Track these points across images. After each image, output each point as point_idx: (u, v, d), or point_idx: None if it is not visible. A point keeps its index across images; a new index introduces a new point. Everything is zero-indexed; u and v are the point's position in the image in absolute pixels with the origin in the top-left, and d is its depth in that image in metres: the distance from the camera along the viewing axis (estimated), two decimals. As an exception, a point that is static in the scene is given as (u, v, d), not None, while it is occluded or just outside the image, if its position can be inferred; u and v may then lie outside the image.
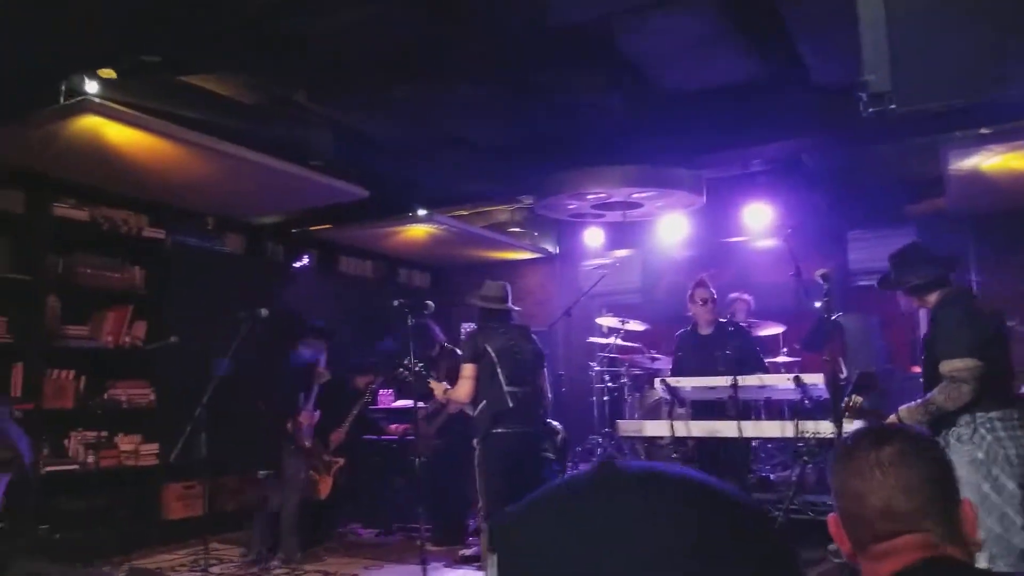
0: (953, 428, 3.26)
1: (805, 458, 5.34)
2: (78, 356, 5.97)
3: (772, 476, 6.22)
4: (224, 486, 6.70)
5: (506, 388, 4.39)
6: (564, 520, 0.65)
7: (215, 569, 5.31)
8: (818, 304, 6.31)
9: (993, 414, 3.20)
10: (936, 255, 3.62)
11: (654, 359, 6.66)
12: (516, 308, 4.75)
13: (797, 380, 5.00)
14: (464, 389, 4.48)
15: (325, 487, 6.03)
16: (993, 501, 3.10)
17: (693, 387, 5.46)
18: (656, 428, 5.72)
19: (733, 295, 6.66)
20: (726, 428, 5.55)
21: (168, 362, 6.04)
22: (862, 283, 7.53)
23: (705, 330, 5.54)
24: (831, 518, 1.09)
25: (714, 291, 5.60)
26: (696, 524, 0.61)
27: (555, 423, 4.69)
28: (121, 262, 6.30)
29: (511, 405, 4.36)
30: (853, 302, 7.13)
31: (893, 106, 2.39)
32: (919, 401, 3.36)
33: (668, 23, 4.41)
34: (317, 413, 6.02)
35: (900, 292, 3.61)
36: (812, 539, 4.75)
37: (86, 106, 4.62)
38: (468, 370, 4.47)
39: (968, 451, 3.20)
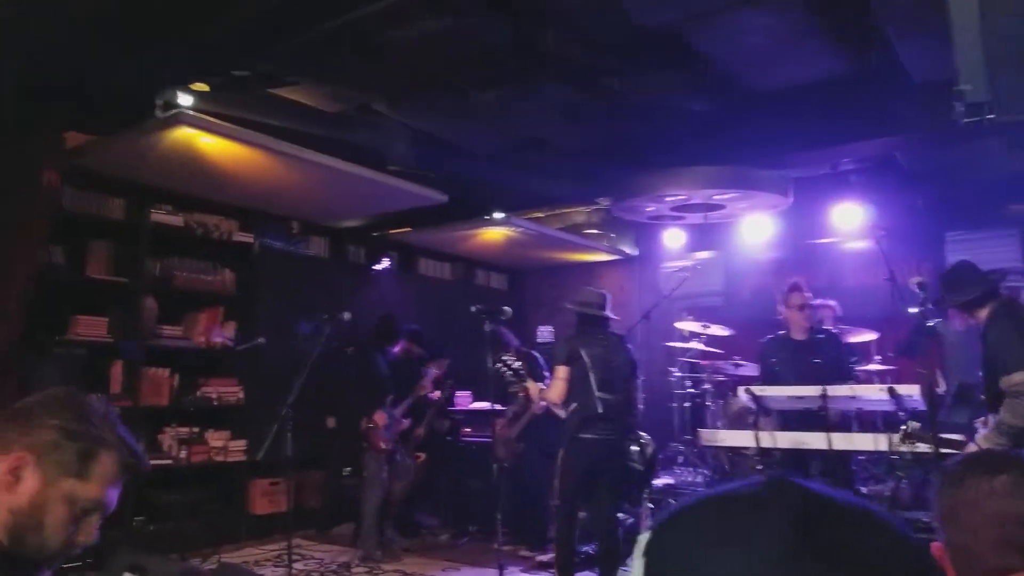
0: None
1: (900, 473, 5.09)
2: (173, 355, 6.23)
3: (864, 490, 5.96)
4: (308, 483, 6.89)
5: (597, 394, 4.45)
6: (723, 533, 0.61)
7: (298, 565, 5.46)
8: (913, 310, 6.04)
9: None
10: (982, 271, 3.66)
11: (738, 365, 6.48)
12: (614, 317, 4.76)
13: (891, 391, 4.76)
14: (557, 389, 4.55)
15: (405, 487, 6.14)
16: None
17: (781, 396, 5.28)
18: (739, 438, 5.57)
19: (818, 302, 6.39)
20: (815, 440, 5.33)
21: (256, 361, 6.25)
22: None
23: (799, 336, 5.32)
24: (936, 547, 1.01)
25: (811, 295, 5.36)
26: (872, 561, 0.57)
27: (644, 434, 4.63)
28: (213, 265, 6.57)
29: (600, 411, 4.41)
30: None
31: (992, 116, 2.24)
32: (991, 426, 3.29)
33: (751, 22, 4.28)
34: (406, 421, 6.16)
35: (952, 310, 3.64)
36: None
37: (181, 119, 4.83)
38: (561, 372, 4.53)
39: None
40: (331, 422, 5.88)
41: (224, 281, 6.65)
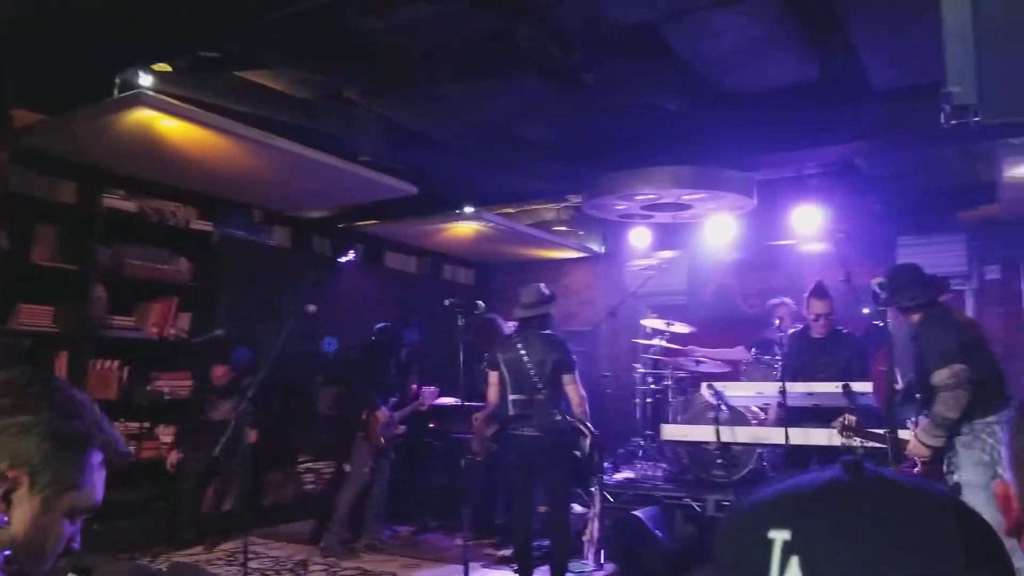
0: (958, 436, 3.51)
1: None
2: (124, 346, 6.02)
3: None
4: (265, 481, 6.75)
5: (510, 396, 4.72)
6: (803, 524, 0.62)
7: (253, 564, 5.33)
8: (867, 310, 6.21)
9: (991, 418, 3.44)
10: (928, 278, 3.88)
11: (699, 362, 6.57)
12: (542, 311, 4.78)
13: (845, 388, 4.91)
14: (489, 394, 4.90)
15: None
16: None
17: (745, 394, 5.37)
18: (701, 433, 5.66)
19: (775, 300, 6.53)
20: (773, 435, 5.47)
21: (213, 354, 6.08)
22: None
23: (817, 334, 5.42)
24: (1000, 487, 1.01)
25: (832, 300, 5.34)
26: (953, 546, 0.60)
27: (584, 426, 4.66)
28: (168, 254, 6.35)
29: (511, 412, 4.69)
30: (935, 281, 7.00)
31: (978, 119, 2.31)
32: (927, 421, 3.58)
33: (725, 22, 4.32)
34: (402, 428, 6.18)
35: (891, 309, 3.83)
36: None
37: (140, 99, 4.65)
38: (491, 377, 4.88)
39: (974, 455, 3.46)
40: (253, 436, 5.77)
41: (180, 270, 6.44)
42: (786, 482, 0.67)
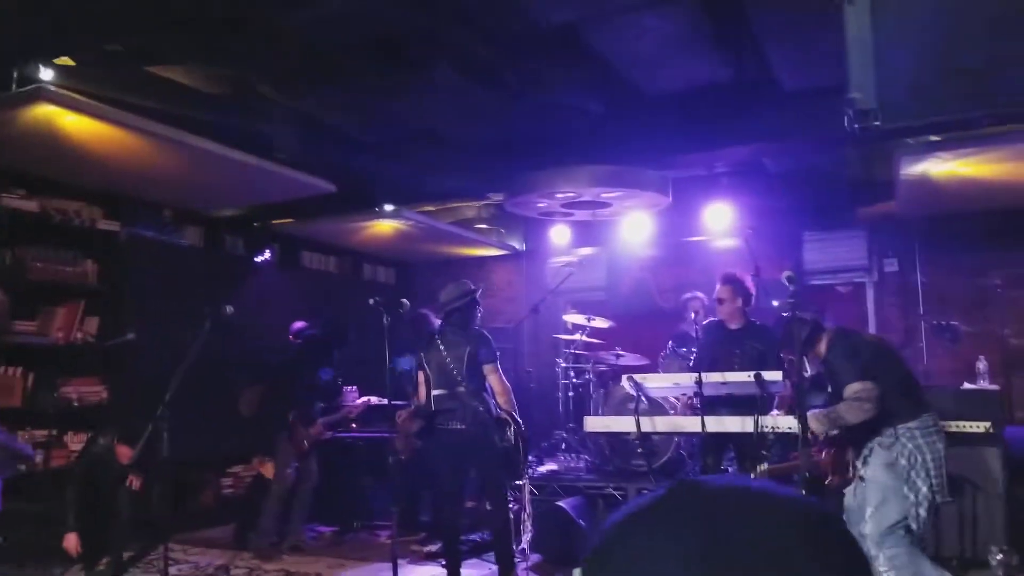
0: (877, 438, 3.74)
1: (764, 452, 5.49)
2: (26, 353, 5.75)
3: (730, 470, 6.36)
4: (186, 485, 6.56)
5: (433, 392, 4.74)
6: (650, 545, 0.63)
7: (173, 570, 5.18)
8: (776, 303, 6.49)
9: (912, 424, 3.69)
10: (799, 316, 4.03)
11: (619, 356, 6.73)
12: (458, 304, 4.80)
13: (757, 377, 5.11)
14: (419, 394, 4.94)
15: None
16: (911, 501, 3.62)
17: (663, 385, 5.54)
18: (622, 424, 5.80)
19: (687, 295, 6.75)
20: (690, 424, 5.65)
21: (124, 359, 5.87)
22: (815, 282, 7.78)
23: (732, 325, 5.59)
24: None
25: (735, 288, 5.49)
26: (782, 542, 0.60)
27: (506, 415, 4.73)
28: (73, 255, 6.09)
29: (432, 407, 4.74)
30: (806, 301, 7.33)
31: (878, 123, 2.48)
32: (824, 410, 3.85)
33: (644, 24, 4.45)
34: (329, 433, 6.17)
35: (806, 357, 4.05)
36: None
37: (40, 94, 4.45)
38: (419, 377, 4.92)
39: (887, 456, 3.69)
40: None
41: (87, 272, 6.17)
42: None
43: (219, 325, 4.83)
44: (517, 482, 5.31)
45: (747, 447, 5.22)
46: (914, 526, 3.65)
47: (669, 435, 5.98)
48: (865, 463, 3.86)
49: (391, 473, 4.64)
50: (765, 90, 5.17)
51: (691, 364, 5.80)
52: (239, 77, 5.01)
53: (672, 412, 6.12)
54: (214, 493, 6.87)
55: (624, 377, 5.68)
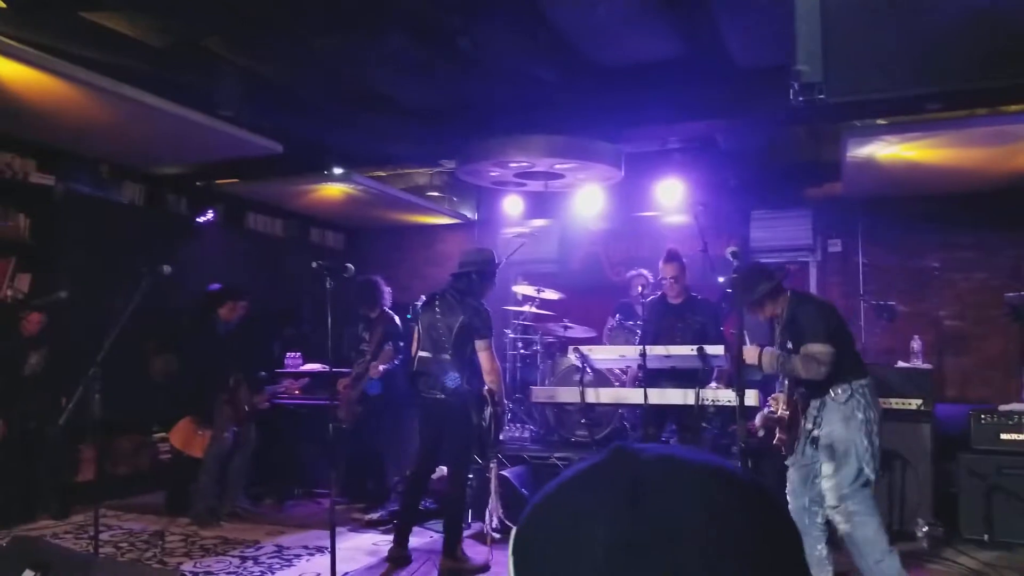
0: (831, 391, 3.87)
1: (704, 424, 5.61)
2: (-48, 310, 5.54)
3: (671, 441, 6.47)
4: (117, 449, 6.41)
5: (419, 353, 4.68)
6: (579, 507, 0.61)
7: (105, 535, 5.08)
8: (721, 279, 6.58)
9: (863, 381, 3.88)
10: (766, 268, 4.21)
11: (567, 327, 6.76)
12: (467, 269, 4.72)
13: (700, 350, 5.20)
14: (412, 349, 4.86)
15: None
16: (860, 453, 3.77)
17: (608, 356, 5.59)
18: (567, 395, 5.84)
19: (632, 272, 6.80)
20: (633, 395, 5.72)
21: (57, 318, 5.67)
22: (762, 260, 7.91)
23: (674, 300, 5.65)
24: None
25: (682, 264, 5.56)
26: (718, 511, 0.59)
27: (488, 394, 4.67)
28: (4, 209, 5.87)
29: (415, 367, 4.69)
30: (774, 267, 7.46)
31: (823, 96, 2.50)
32: (780, 353, 3.96)
33: (599, -5, 4.40)
34: (267, 404, 6.12)
35: (746, 308, 4.12)
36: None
37: (-31, 37, 4.22)
38: (414, 333, 4.86)
39: (845, 410, 3.83)
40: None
41: (18, 227, 5.96)
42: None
43: (157, 285, 4.71)
44: (483, 461, 5.28)
45: (688, 419, 5.32)
46: (872, 476, 3.79)
47: (613, 406, 6.05)
48: (817, 424, 3.94)
49: (331, 440, 4.57)
50: (718, 66, 5.18)
51: (638, 339, 5.86)
52: (184, 29, 4.82)
53: (617, 384, 6.19)
54: (148, 458, 6.73)
55: (570, 349, 5.72)
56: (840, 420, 3.84)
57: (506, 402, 5.02)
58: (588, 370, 5.64)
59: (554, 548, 0.59)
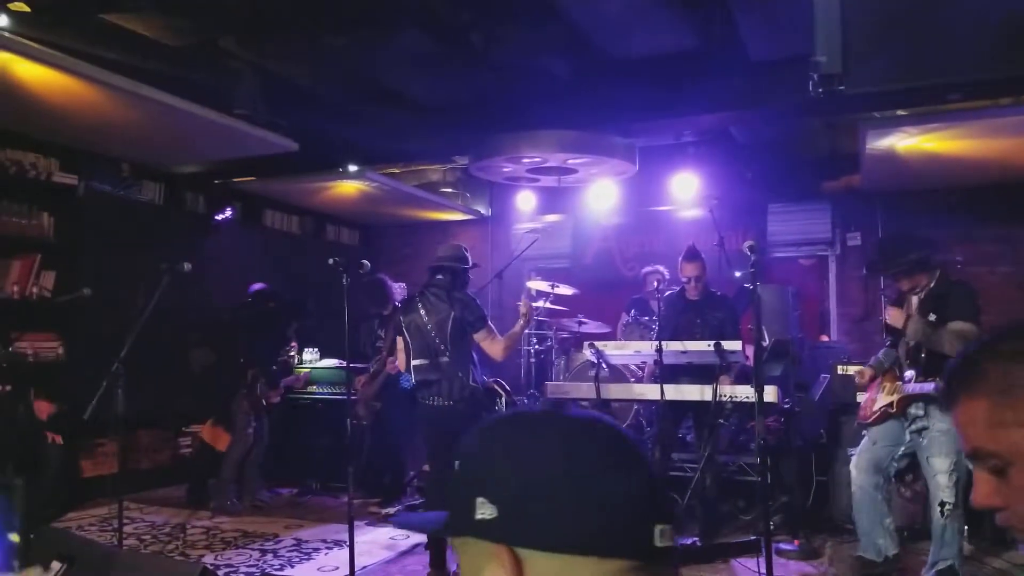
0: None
1: (721, 420, 5.58)
2: (-21, 306, 5.65)
3: (688, 437, 6.47)
4: (139, 443, 6.52)
5: (413, 362, 4.38)
6: (518, 442, 0.79)
7: (129, 528, 5.17)
8: (738, 274, 6.55)
9: None
10: (918, 236, 4.18)
11: (581, 323, 6.77)
12: (447, 264, 4.45)
13: (717, 346, 5.18)
14: (399, 361, 4.61)
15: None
16: (964, 465, 3.72)
17: (619, 353, 5.59)
18: (582, 391, 5.85)
19: (647, 268, 6.79)
20: (649, 391, 5.72)
21: (79, 314, 5.78)
22: (779, 255, 7.86)
23: (691, 296, 5.63)
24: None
25: (703, 263, 5.51)
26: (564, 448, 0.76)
27: (498, 386, 4.59)
28: (29, 208, 5.97)
29: (415, 379, 4.38)
30: (769, 273, 7.43)
31: (842, 87, 2.48)
32: (927, 323, 3.90)
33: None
34: (279, 399, 6.22)
35: (892, 275, 4.13)
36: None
37: (-6, 40, 4.30)
38: (399, 343, 4.58)
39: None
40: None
41: (42, 226, 6.06)
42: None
43: (177, 282, 4.78)
44: None
45: (705, 415, 5.31)
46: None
47: (628, 402, 6.05)
48: (927, 413, 3.96)
49: (349, 436, 4.60)
50: (733, 58, 5.15)
51: (653, 334, 5.85)
52: (200, 29, 4.88)
53: (633, 380, 6.19)
54: (170, 452, 6.85)
55: (585, 344, 5.73)
56: (947, 429, 3.82)
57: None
58: (603, 366, 5.66)
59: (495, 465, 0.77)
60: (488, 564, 0.74)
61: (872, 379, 4.29)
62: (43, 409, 5.51)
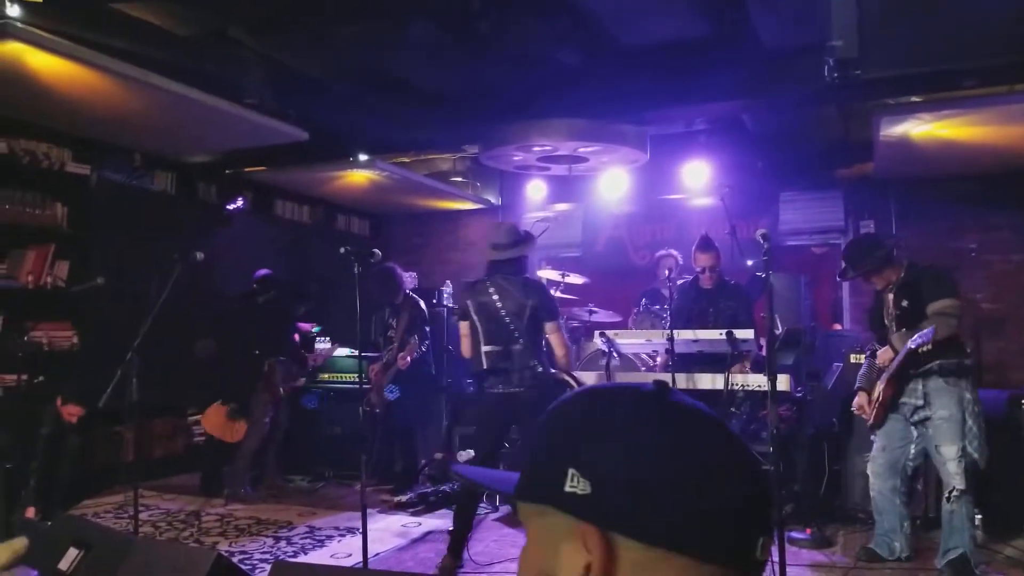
0: (945, 376, 3.92)
1: (733, 409, 5.57)
2: (-6, 295, 5.69)
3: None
4: (153, 431, 6.58)
5: (483, 348, 4.26)
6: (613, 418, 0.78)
7: (144, 515, 5.22)
8: (750, 262, 6.52)
9: (968, 362, 3.99)
10: (878, 236, 4.23)
11: (592, 312, 6.76)
12: (516, 254, 4.30)
13: (729, 335, 5.17)
14: (463, 347, 4.45)
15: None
16: (974, 433, 3.88)
17: (635, 341, 5.59)
18: (593, 380, 5.85)
19: (661, 252, 6.77)
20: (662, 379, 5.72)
21: (93, 304, 5.81)
22: (791, 243, 7.82)
23: (706, 285, 5.62)
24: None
25: (717, 252, 5.48)
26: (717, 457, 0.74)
27: (568, 377, 4.40)
28: (42, 198, 6.00)
29: (486, 366, 4.25)
30: (782, 261, 7.39)
31: (858, 72, 2.45)
32: (904, 331, 3.98)
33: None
34: (303, 380, 6.36)
35: (862, 278, 4.26)
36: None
37: (7, 31, 4.30)
38: (462, 328, 4.42)
39: (957, 392, 3.90)
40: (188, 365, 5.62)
41: (55, 215, 6.08)
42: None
43: (189, 271, 4.81)
44: None
45: (716, 404, 5.29)
46: (981, 461, 3.89)
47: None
48: (929, 401, 3.99)
49: (362, 424, 4.63)
50: (746, 45, 5.10)
51: (665, 323, 5.84)
52: (210, 19, 4.88)
53: (644, 369, 6.18)
54: (184, 440, 6.91)
55: (596, 333, 5.72)
56: (954, 401, 3.90)
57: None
58: (615, 355, 5.65)
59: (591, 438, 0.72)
60: (568, 541, 0.70)
61: (869, 396, 4.31)
62: (73, 413, 5.57)
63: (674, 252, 6.53)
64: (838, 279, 5.20)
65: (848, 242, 4.18)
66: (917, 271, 4.13)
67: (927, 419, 3.99)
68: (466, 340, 4.40)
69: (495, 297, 4.23)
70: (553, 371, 4.34)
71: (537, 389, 4.16)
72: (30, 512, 4.93)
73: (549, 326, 4.30)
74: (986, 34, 2.52)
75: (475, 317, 4.27)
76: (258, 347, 6.00)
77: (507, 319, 4.18)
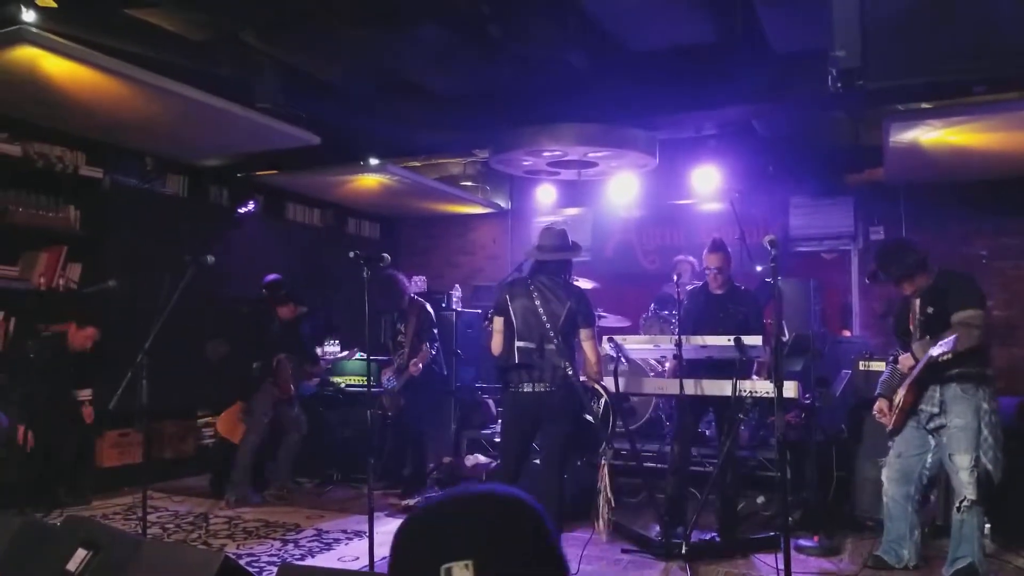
0: (963, 383, 3.90)
1: (740, 416, 5.54)
2: (7, 297, 5.76)
3: (708, 432, 6.44)
4: (162, 433, 6.62)
5: (517, 343, 4.25)
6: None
7: (152, 517, 5.25)
8: (759, 268, 6.50)
9: (989, 371, 3.94)
10: (911, 242, 4.29)
11: (601, 316, 6.75)
12: (562, 257, 4.35)
13: (737, 341, 5.14)
14: (495, 342, 4.43)
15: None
16: (989, 443, 3.84)
17: (639, 347, 5.57)
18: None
19: (679, 257, 6.76)
20: (668, 386, 5.70)
21: (105, 306, 5.86)
22: (801, 249, 7.79)
23: (716, 290, 5.59)
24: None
25: (727, 254, 5.36)
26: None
27: (598, 384, 4.39)
28: (55, 201, 6.08)
29: (516, 360, 4.24)
30: (791, 267, 7.36)
31: (862, 82, 2.45)
32: (929, 342, 3.91)
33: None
34: (316, 381, 6.42)
35: (893, 283, 4.22)
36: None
37: (22, 36, 4.36)
38: (496, 323, 4.42)
39: (975, 402, 3.86)
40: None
41: (69, 218, 6.15)
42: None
43: (200, 275, 4.84)
44: (595, 459, 4.64)
45: (725, 410, 5.26)
46: (996, 474, 3.85)
47: (647, 396, 6.04)
48: (945, 410, 3.96)
49: (371, 427, 4.64)
50: (755, 50, 5.10)
51: (674, 328, 5.81)
52: (221, 24, 4.92)
53: (652, 375, 6.17)
54: (194, 442, 6.95)
55: (605, 338, 5.72)
56: (970, 411, 3.87)
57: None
58: (622, 360, 5.64)
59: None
60: None
61: (890, 403, 4.28)
62: (90, 415, 5.64)
63: (691, 258, 6.52)
64: (867, 281, 5.14)
65: (880, 246, 4.14)
66: (948, 277, 4.10)
67: (942, 427, 3.97)
68: (498, 336, 4.39)
69: (535, 296, 4.26)
70: (583, 378, 4.32)
71: (565, 391, 4.16)
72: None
73: (585, 332, 4.32)
74: (989, 42, 2.51)
75: (513, 315, 4.28)
76: (270, 351, 6.02)
77: (544, 318, 4.20)
